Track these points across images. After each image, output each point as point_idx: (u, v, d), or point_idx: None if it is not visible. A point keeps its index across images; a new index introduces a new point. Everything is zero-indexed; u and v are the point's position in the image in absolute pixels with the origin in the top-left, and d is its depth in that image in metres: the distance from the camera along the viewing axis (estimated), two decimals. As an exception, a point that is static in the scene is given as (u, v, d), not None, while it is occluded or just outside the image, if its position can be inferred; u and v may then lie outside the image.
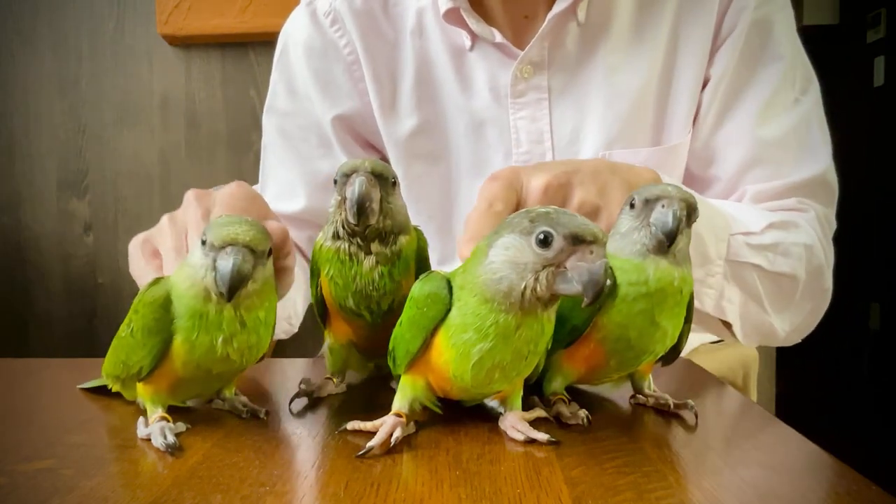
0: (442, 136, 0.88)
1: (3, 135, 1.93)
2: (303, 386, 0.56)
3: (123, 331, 0.49)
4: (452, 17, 0.83)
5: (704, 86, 0.83)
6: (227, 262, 0.44)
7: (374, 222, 0.50)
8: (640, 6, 0.83)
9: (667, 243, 0.46)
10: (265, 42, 1.85)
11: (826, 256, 0.79)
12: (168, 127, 1.92)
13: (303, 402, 0.55)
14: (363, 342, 0.57)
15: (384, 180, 0.51)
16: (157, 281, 0.48)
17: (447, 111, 0.87)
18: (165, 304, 0.46)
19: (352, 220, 0.50)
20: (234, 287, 0.44)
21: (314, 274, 0.55)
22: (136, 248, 0.58)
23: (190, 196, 0.58)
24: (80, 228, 1.93)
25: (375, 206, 0.50)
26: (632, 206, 0.48)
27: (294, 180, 0.91)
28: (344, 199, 0.50)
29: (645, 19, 0.83)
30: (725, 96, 0.82)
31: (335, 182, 0.51)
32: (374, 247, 0.52)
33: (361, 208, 0.49)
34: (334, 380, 0.58)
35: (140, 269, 0.56)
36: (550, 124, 0.84)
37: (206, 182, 1.78)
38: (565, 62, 0.84)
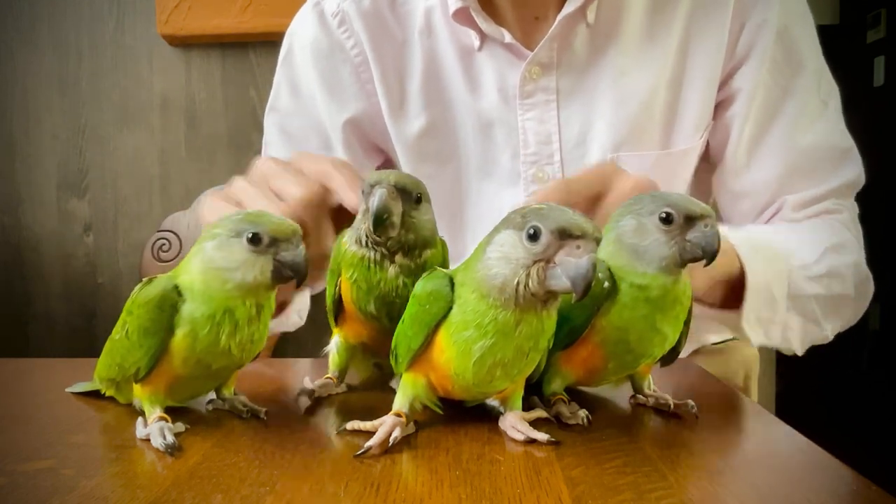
0: (450, 136, 0.88)
1: (3, 135, 1.93)
2: (306, 385, 0.56)
3: (118, 333, 0.49)
4: (462, 16, 0.82)
5: (728, 101, 0.84)
6: (299, 253, 0.46)
7: (395, 235, 0.51)
8: (650, 9, 0.83)
9: (707, 263, 0.46)
10: (265, 42, 1.84)
11: (860, 253, 0.82)
12: (168, 127, 1.91)
13: (305, 401, 0.55)
14: (376, 345, 0.57)
15: (407, 194, 0.51)
16: (150, 280, 0.47)
17: (455, 111, 0.87)
18: (161, 303, 0.46)
19: (372, 231, 0.50)
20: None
21: (333, 273, 0.55)
22: (213, 198, 0.58)
23: (269, 162, 0.61)
24: (80, 228, 1.93)
25: (396, 219, 0.50)
26: (666, 220, 0.46)
27: None
28: (368, 210, 0.50)
29: (655, 23, 0.83)
30: (761, 110, 0.83)
31: (362, 192, 0.52)
32: (398, 258, 0.52)
33: (379, 220, 0.49)
34: (335, 379, 0.58)
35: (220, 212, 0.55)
36: (558, 125, 0.84)
37: (206, 182, 1.78)
38: (574, 64, 0.83)
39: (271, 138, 0.94)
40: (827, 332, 0.77)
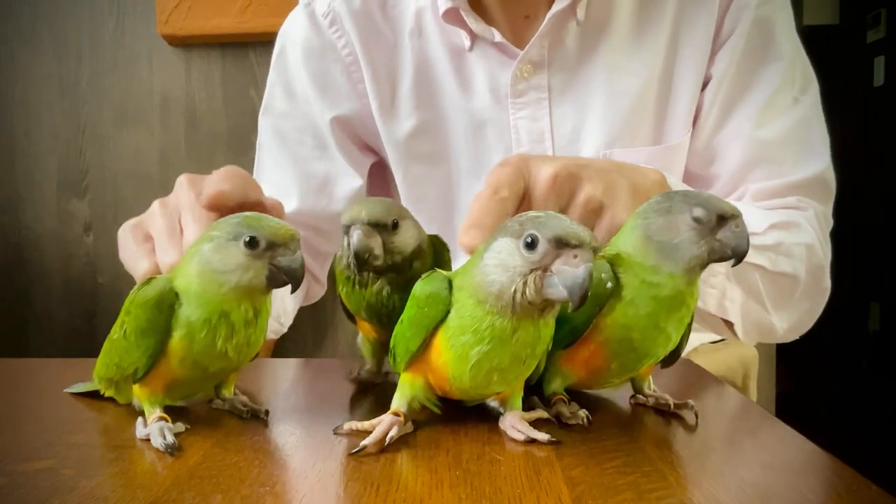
0: (442, 136, 0.88)
1: (3, 135, 1.93)
2: (362, 374, 0.61)
3: (116, 332, 0.49)
4: (452, 16, 0.82)
5: (705, 85, 0.84)
6: (296, 258, 0.46)
7: (381, 263, 0.53)
8: (640, 5, 0.83)
9: (735, 264, 0.46)
10: (265, 42, 1.84)
11: (825, 255, 0.80)
12: (168, 127, 1.92)
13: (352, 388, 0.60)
14: (384, 340, 0.59)
15: (383, 225, 0.52)
16: (149, 281, 0.47)
17: (447, 111, 0.87)
18: (159, 304, 0.45)
19: (355, 269, 0.53)
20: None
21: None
22: (125, 232, 0.57)
23: (182, 180, 0.57)
24: (80, 228, 1.93)
25: (378, 251, 0.52)
26: (698, 219, 0.45)
27: (287, 182, 0.90)
28: (349, 245, 0.53)
29: (645, 18, 0.83)
30: (727, 95, 0.82)
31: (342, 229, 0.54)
32: (388, 276, 0.54)
33: (361, 260, 0.51)
34: (375, 367, 0.62)
35: (130, 252, 0.55)
36: (551, 124, 0.84)
37: (206, 182, 1.78)
38: (565, 61, 0.84)
39: (265, 139, 0.94)
40: (775, 321, 0.75)
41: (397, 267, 0.53)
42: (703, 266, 0.46)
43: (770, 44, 0.81)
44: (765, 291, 0.72)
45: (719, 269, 0.68)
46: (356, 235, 0.51)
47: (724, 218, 0.45)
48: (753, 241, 0.69)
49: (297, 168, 0.90)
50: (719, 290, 0.69)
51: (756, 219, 0.73)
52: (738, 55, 0.81)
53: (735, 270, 0.69)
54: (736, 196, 0.83)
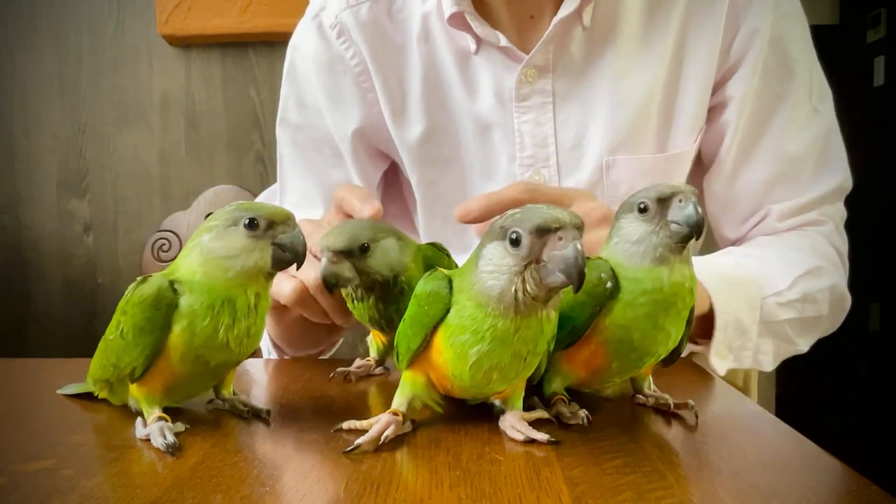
0: (452, 139, 0.88)
1: (3, 135, 1.93)
2: (354, 368, 0.63)
3: (111, 333, 0.48)
4: (457, 21, 0.82)
5: (718, 106, 0.85)
6: (297, 234, 0.47)
7: (356, 282, 0.54)
8: (646, 12, 0.82)
9: (695, 236, 0.46)
10: (265, 42, 1.85)
11: (841, 272, 0.82)
12: (168, 127, 1.92)
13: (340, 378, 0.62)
14: (391, 342, 0.60)
15: (349, 252, 0.53)
16: (144, 279, 0.47)
17: (455, 115, 0.87)
18: (156, 302, 0.45)
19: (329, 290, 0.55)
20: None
21: None
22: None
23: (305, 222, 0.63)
24: (80, 228, 1.93)
25: (348, 274, 0.54)
26: (642, 209, 0.47)
27: (310, 190, 0.92)
28: None
29: (651, 26, 0.82)
30: (752, 119, 0.83)
31: None
32: (375, 292, 0.56)
33: (328, 285, 0.54)
34: (373, 362, 0.64)
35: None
36: (554, 128, 0.84)
37: (206, 182, 1.79)
38: (570, 67, 0.83)
39: (285, 150, 0.95)
40: (800, 346, 0.78)
41: (380, 284, 0.55)
42: (674, 251, 0.46)
43: (788, 63, 0.82)
44: (793, 334, 0.75)
45: (753, 335, 0.70)
46: (323, 262, 0.53)
47: (665, 199, 0.46)
48: (781, 299, 0.73)
49: (318, 177, 0.92)
50: (752, 349, 0.71)
51: (781, 273, 0.75)
52: (757, 78, 0.82)
53: (767, 328, 0.72)
54: (759, 217, 0.85)
